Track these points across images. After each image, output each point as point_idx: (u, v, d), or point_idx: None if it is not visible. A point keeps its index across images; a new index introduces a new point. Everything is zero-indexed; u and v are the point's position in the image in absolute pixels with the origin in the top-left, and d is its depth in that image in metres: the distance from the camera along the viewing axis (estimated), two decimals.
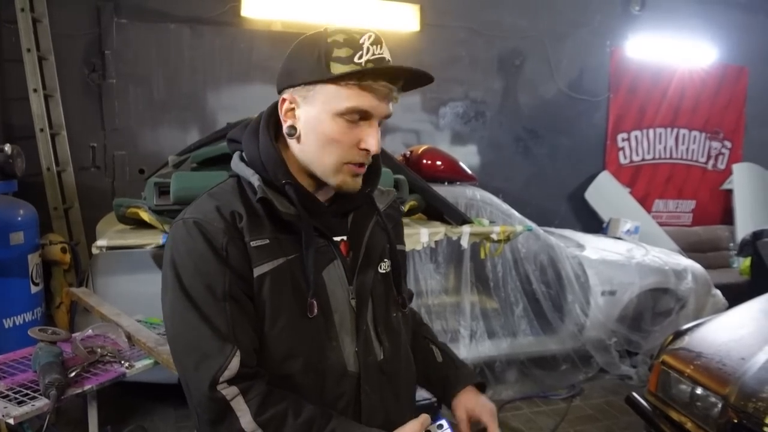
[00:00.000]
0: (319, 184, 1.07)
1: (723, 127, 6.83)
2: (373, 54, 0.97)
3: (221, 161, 2.99)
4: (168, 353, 2.00)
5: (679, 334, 2.76)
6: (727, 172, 6.86)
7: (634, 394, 2.78)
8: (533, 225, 3.97)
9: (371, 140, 1.01)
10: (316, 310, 1.02)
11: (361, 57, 0.96)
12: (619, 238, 5.28)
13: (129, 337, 2.18)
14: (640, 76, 6.31)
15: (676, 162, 6.70)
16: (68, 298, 3.59)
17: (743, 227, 6.10)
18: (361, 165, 1.04)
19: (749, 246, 5.09)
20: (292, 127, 1.04)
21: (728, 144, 6.89)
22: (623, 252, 4.47)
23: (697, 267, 4.52)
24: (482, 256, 3.51)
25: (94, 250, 2.70)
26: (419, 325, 1.40)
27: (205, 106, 4.88)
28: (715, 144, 6.83)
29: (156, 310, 2.29)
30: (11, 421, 1.62)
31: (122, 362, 2.02)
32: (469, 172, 4.30)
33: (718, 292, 4.53)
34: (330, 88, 0.99)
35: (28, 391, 1.77)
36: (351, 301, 1.08)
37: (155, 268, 3.12)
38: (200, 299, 0.97)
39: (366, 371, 1.08)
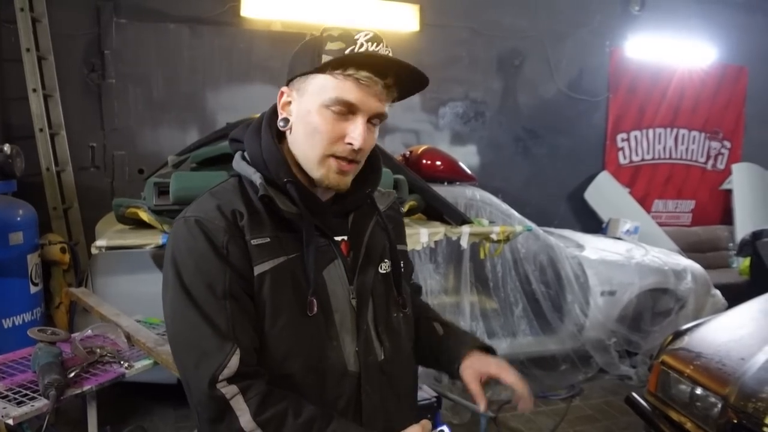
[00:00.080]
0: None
1: (722, 127, 6.83)
2: (366, 50, 0.98)
3: (221, 161, 2.99)
4: (167, 353, 2.00)
5: (678, 335, 2.76)
6: (727, 172, 6.87)
7: (634, 394, 2.78)
8: (533, 225, 3.97)
9: (355, 133, 1.00)
10: (316, 309, 1.02)
11: (352, 51, 0.97)
12: (619, 239, 5.28)
13: (128, 337, 2.18)
14: (639, 76, 6.32)
15: (676, 162, 6.70)
16: (67, 298, 3.59)
17: (743, 227, 6.10)
18: (347, 162, 1.03)
19: (749, 246, 5.09)
20: (285, 120, 1.06)
21: (728, 144, 6.89)
22: (623, 252, 4.47)
23: (696, 267, 4.52)
24: (482, 256, 3.50)
25: (94, 250, 2.69)
26: (425, 309, 1.39)
27: (204, 106, 4.88)
28: (715, 144, 6.83)
29: (155, 311, 2.28)
30: (10, 422, 1.62)
31: (122, 362, 2.02)
32: (469, 172, 4.30)
33: (718, 292, 4.54)
34: (319, 80, 1.00)
35: (28, 392, 1.76)
36: (352, 300, 1.08)
37: (155, 268, 3.12)
38: (201, 297, 0.97)
39: (367, 371, 1.07)
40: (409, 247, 3.02)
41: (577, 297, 4.05)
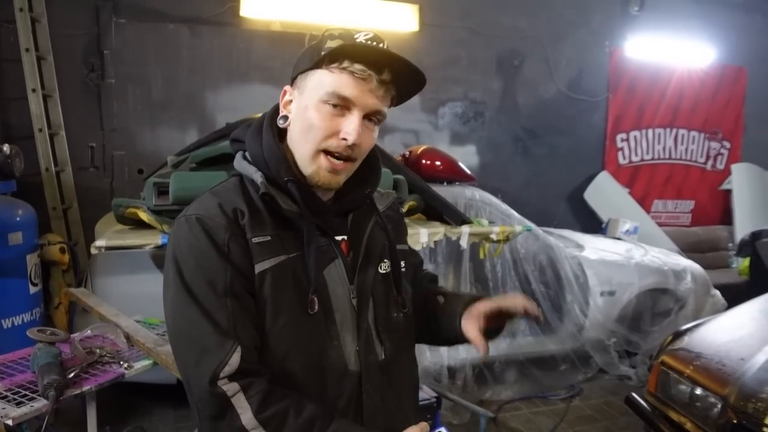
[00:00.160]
0: None
1: (722, 127, 6.84)
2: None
3: (220, 161, 2.99)
4: (167, 354, 2.00)
5: (678, 335, 2.76)
6: (726, 173, 6.87)
7: (634, 394, 2.78)
8: (532, 225, 3.97)
9: (349, 128, 1.00)
10: (317, 307, 1.02)
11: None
12: (618, 239, 5.28)
13: (128, 337, 2.18)
14: (639, 77, 6.32)
15: (675, 162, 6.70)
16: (67, 298, 3.59)
17: (742, 227, 6.10)
18: (342, 160, 1.03)
19: (748, 246, 5.09)
20: (285, 117, 1.07)
21: (727, 144, 6.89)
22: (622, 252, 4.47)
23: (696, 267, 4.53)
24: (481, 256, 3.51)
25: (93, 251, 2.69)
26: (431, 281, 1.39)
27: (204, 106, 4.88)
28: (714, 144, 6.84)
29: (155, 311, 2.28)
30: (10, 422, 1.62)
31: (121, 363, 2.02)
32: (468, 172, 4.30)
33: (717, 293, 4.54)
34: (316, 75, 1.01)
35: (27, 392, 1.76)
36: (352, 300, 1.08)
37: (154, 268, 3.12)
38: (201, 295, 0.97)
39: (367, 370, 1.07)
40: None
41: (577, 297, 4.05)
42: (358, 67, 0.98)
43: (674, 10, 6.22)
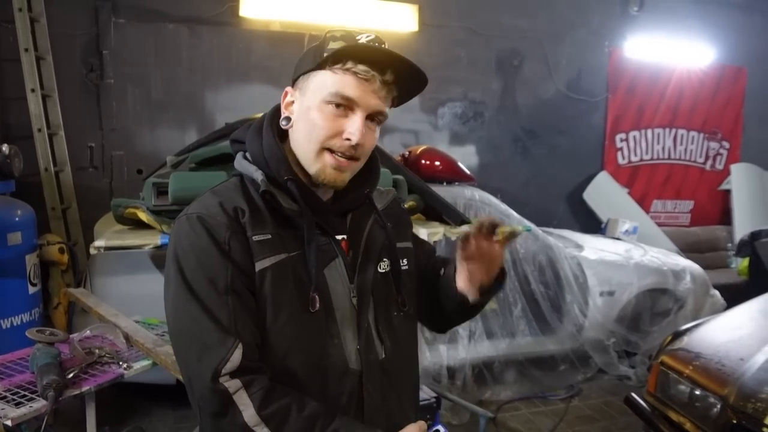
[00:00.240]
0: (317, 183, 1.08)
1: (721, 127, 6.84)
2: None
3: (220, 161, 2.99)
4: (166, 354, 2.00)
5: (677, 335, 2.76)
6: (725, 173, 6.87)
7: (633, 394, 2.78)
8: (532, 225, 3.96)
9: (352, 128, 1.01)
10: (318, 305, 1.02)
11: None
12: (618, 239, 5.28)
13: (127, 337, 2.18)
14: (638, 77, 6.32)
15: (675, 162, 6.71)
16: (66, 298, 3.59)
17: (741, 227, 6.11)
18: (346, 158, 1.04)
19: (747, 246, 5.09)
20: (287, 118, 1.08)
21: (726, 144, 6.89)
22: (622, 252, 4.47)
23: (695, 267, 4.53)
24: None
25: (92, 251, 2.69)
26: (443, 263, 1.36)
27: (203, 106, 4.88)
28: (714, 144, 6.84)
29: (154, 311, 2.28)
30: (9, 423, 1.61)
31: (120, 363, 2.02)
32: (468, 172, 4.30)
33: (717, 293, 4.54)
34: (319, 76, 1.02)
35: (26, 393, 1.76)
36: (352, 299, 1.09)
37: (153, 268, 3.12)
38: (202, 293, 0.97)
39: (368, 369, 1.08)
40: None
41: (576, 297, 4.05)
42: (361, 68, 0.99)
43: (674, 11, 6.22)
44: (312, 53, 1.04)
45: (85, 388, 1.85)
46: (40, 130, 4.20)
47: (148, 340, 2.14)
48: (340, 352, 1.06)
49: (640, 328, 4.25)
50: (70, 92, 4.48)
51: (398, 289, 1.16)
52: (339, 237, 1.11)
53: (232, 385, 0.94)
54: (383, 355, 1.11)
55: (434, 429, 1.04)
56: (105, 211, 3.64)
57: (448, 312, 1.24)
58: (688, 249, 5.85)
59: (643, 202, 6.49)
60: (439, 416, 2.84)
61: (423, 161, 4.08)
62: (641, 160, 6.53)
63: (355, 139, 1.01)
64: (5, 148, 3.37)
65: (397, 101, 1.08)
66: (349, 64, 0.99)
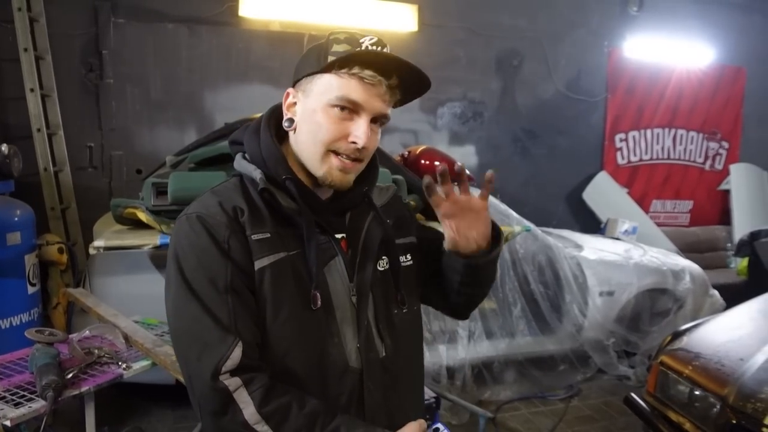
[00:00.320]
0: (316, 182, 1.09)
1: (720, 127, 6.84)
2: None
3: (219, 161, 2.98)
4: (165, 354, 2.00)
5: (677, 335, 2.77)
6: (725, 173, 6.88)
7: (633, 394, 2.78)
8: (531, 225, 3.97)
9: (358, 132, 1.02)
10: (320, 302, 1.03)
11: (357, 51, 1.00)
12: (617, 239, 5.29)
13: (126, 338, 2.18)
14: (638, 77, 6.32)
15: (674, 162, 6.71)
16: (65, 298, 3.58)
17: (741, 227, 6.11)
18: (351, 160, 1.05)
19: (747, 246, 5.09)
20: (290, 120, 1.08)
21: (726, 144, 6.90)
22: (621, 252, 4.47)
23: (694, 267, 4.53)
24: None
25: (92, 251, 2.69)
26: None
27: (202, 106, 4.87)
28: (713, 144, 6.84)
29: (153, 311, 2.28)
30: (8, 423, 1.61)
31: (119, 363, 2.01)
32: (468, 172, 4.30)
33: (716, 293, 4.55)
34: (324, 79, 1.02)
35: (25, 393, 1.76)
36: (352, 297, 1.09)
37: (153, 268, 3.11)
38: (202, 292, 0.98)
39: (368, 367, 1.08)
40: None
41: (576, 297, 4.05)
42: (368, 73, 1.00)
43: (673, 11, 6.23)
44: (315, 55, 1.04)
45: (84, 389, 1.84)
46: (39, 130, 4.20)
47: (147, 341, 2.14)
48: (340, 350, 1.06)
49: (639, 328, 4.25)
50: (70, 92, 4.48)
51: (397, 287, 1.16)
52: (338, 236, 1.11)
53: (232, 383, 0.94)
54: (384, 353, 1.11)
55: (434, 428, 1.04)
56: (104, 211, 3.63)
57: (456, 285, 1.21)
58: (687, 249, 5.85)
59: (643, 202, 6.49)
60: (439, 416, 2.84)
61: (422, 161, 4.07)
62: (641, 160, 6.54)
63: (361, 143, 1.03)
64: (4, 148, 3.37)
65: (399, 103, 1.09)
66: (355, 69, 1.00)
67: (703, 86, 6.62)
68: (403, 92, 1.07)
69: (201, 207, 1.04)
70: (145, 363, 2.07)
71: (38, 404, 1.70)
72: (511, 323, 3.95)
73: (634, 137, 6.46)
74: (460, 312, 1.35)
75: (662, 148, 6.62)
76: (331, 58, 1.00)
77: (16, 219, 3.18)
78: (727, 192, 6.78)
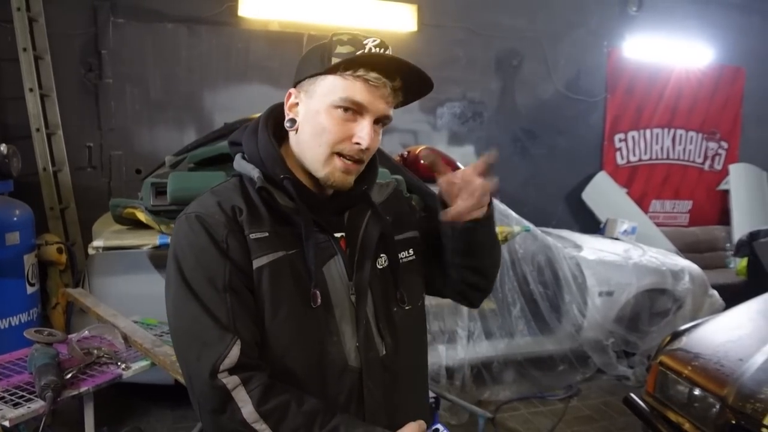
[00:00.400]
0: (316, 182, 1.09)
1: (720, 127, 6.84)
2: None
3: (218, 161, 2.98)
4: (164, 354, 2.00)
5: (676, 335, 2.76)
6: (724, 173, 6.88)
7: (632, 394, 2.77)
8: (531, 225, 3.97)
9: (362, 133, 1.03)
10: (319, 300, 1.03)
11: (362, 54, 1.01)
12: (617, 239, 5.29)
13: (125, 338, 2.17)
14: (637, 77, 6.32)
15: (673, 162, 6.71)
16: (64, 298, 3.58)
17: (740, 228, 6.12)
18: (353, 161, 1.05)
19: (746, 246, 5.09)
20: (292, 120, 1.08)
21: (725, 144, 6.90)
22: (620, 252, 4.47)
23: (694, 267, 4.53)
24: None
25: (91, 251, 2.69)
26: None
27: (202, 106, 4.87)
28: (712, 144, 6.84)
29: (153, 311, 2.28)
30: (7, 424, 1.61)
31: (119, 363, 2.01)
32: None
33: (715, 293, 4.55)
34: (328, 80, 1.03)
35: (24, 393, 1.76)
36: (351, 296, 1.09)
37: (152, 268, 3.11)
38: (201, 291, 0.99)
39: (368, 366, 1.08)
40: None
41: (575, 297, 4.05)
42: (373, 75, 1.01)
43: (672, 11, 6.23)
44: (318, 56, 1.04)
45: (83, 389, 1.84)
46: (38, 129, 4.20)
47: (146, 341, 2.14)
48: (339, 349, 1.06)
49: (638, 329, 4.25)
50: (69, 92, 4.47)
51: (396, 285, 1.16)
52: (337, 235, 1.11)
53: (230, 381, 0.94)
54: (384, 352, 1.11)
55: (434, 428, 1.03)
56: (103, 211, 3.63)
57: (451, 256, 1.21)
58: (686, 249, 5.85)
59: (642, 202, 6.49)
60: (438, 416, 2.84)
61: (422, 161, 4.07)
62: (640, 160, 6.54)
63: (365, 144, 1.03)
64: (3, 147, 3.37)
65: (400, 104, 1.10)
66: (360, 71, 1.00)
67: (703, 86, 6.62)
68: (405, 93, 1.07)
69: (200, 207, 1.04)
70: (144, 363, 2.07)
71: (37, 404, 1.70)
72: (510, 323, 3.95)
73: (633, 137, 6.47)
74: (468, 295, 1.31)
75: (661, 148, 6.63)
76: (335, 60, 1.00)
77: (15, 219, 3.18)
78: (726, 192, 6.79)
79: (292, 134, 1.10)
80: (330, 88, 1.02)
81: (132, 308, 2.50)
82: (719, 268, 6.02)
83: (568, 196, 6.22)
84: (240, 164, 1.11)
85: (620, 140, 6.40)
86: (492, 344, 3.89)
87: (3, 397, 1.73)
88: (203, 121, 4.83)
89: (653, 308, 4.33)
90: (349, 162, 1.05)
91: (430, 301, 1.32)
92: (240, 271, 1.00)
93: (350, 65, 1.00)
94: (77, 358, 1.95)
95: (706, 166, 6.87)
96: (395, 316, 1.15)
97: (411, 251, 1.21)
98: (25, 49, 4.15)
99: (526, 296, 3.99)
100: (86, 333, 2.18)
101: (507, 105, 5.87)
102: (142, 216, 2.76)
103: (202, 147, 3.33)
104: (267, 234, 1.03)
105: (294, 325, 1.02)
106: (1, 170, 3.34)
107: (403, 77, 1.04)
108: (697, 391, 2.39)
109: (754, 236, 5.03)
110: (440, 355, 3.67)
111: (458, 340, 3.77)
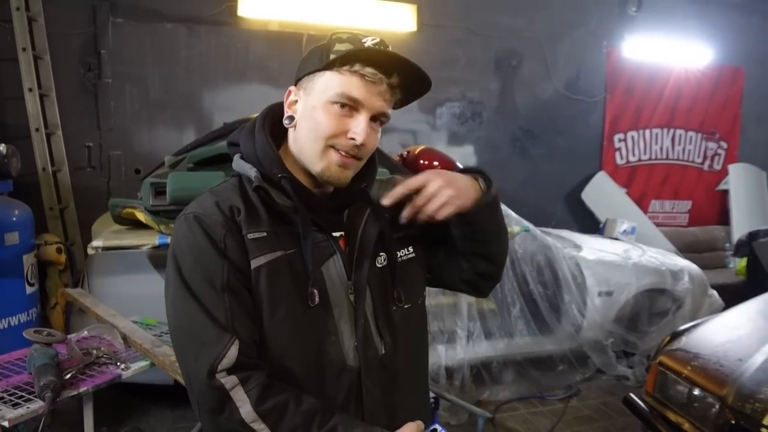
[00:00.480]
0: (314, 181, 1.09)
1: (719, 127, 6.85)
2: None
3: (218, 161, 2.98)
4: (164, 355, 2.00)
5: (676, 335, 2.76)
6: (723, 173, 6.88)
7: (632, 394, 2.77)
8: (530, 225, 3.97)
9: (357, 128, 1.03)
10: (317, 299, 1.03)
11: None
12: (616, 239, 5.29)
13: (125, 338, 2.17)
14: (636, 77, 6.32)
15: (673, 162, 6.71)
16: (63, 298, 3.58)
17: (739, 228, 6.12)
18: (349, 156, 1.05)
19: (745, 246, 5.09)
20: (290, 117, 1.08)
21: (724, 144, 6.90)
22: (620, 252, 4.47)
23: (693, 267, 4.53)
24: None
25: (90, 251, 2.69)
26: None
27: (201, 106, 4.87)
28: (711, 144, 6.85)
29: (152, 312, 2.28)
30: (6, 424, 1.61)
31: (118, 364, 2.01)
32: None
33: (715, 293, 4.55)
34: (325, 77, 1.03)
35: (23, 393, 1.76)
36: (350, 296, 1.09)
37: (151, 268, 3.11)
38: (200, 291, 0.99)
39: (366, 366, 1.08)
40: None
41: (575, 297, 4.05)
42: (369, 70, 1.01)
43: (672, 11, 6.23)
44: (317, 54, 1.04)
45: (82, 389, 1.84)
46: (37, 129, 4.19)
47: (145, 341, 2.14)
48: (338, 349, 1.06)
49: (638, 329, 4.25)
50: (68, 92, 4.47)
51: (393, 283, 1.15)
52: (337, 234, 1.11)
53: (228, 381, 0.94)
54: (383, 351, 1.11)
55: (432, 428, 1.03)
56: (103, 211, 3.63)
57: (468, 251, 1.21)
58: (686, 249, 5.85)
59: (641, 202, 6.49)
60: (438, 416, 2.84)
61: (421, 161, 4.07)
62: (639, 160, 6.54)
63: (359, 139, 1.03)
64: (2, 147, 3.37)
65: (400, 103, 1.10)
66: (356, 67, 1.01)
67: (702, 86, 6.62)
68: (404, 92, 1.07)
69: (198, 207, 1.05)
70: (143, 363, 2.07)
71: (36, 405, 1.69)
72: (509, 323, 3.95)
73: (632, 137, 6.47)
74: (478, 284, 1.29)
75: (661, 149, 6.63)
76: (333, 57, 1.01)
77: (14, 219, 3.18)
78: (725, 192, 6.79)
79: (290, 132, 1.10)
80: (327, 84, 1.03)
81: (131, 308, 2.50)
82: (719, 268, 6.03)
83: (567, 196, 6.23)
84: (238, 164, 1.11)
85: (620, 140, 6.41)
86: (491, 344, 3.89)
87: (2, 398, 1.73)
88: (202, 121, 4.83)
89: (653, 308, 4.33)
90: (345, 155, 1.05)
91: (429, 301, 1.31)
92: (238, 271, 1.00)
93: (346, 60, 1.01)
94: (76, 358, 1.94)
95: (706, 166, 6.87)
96: (394, 315, 1.14)
97: (411, 249, 1.21)
98: (24, 49, 4.15)
99: (525, 296, 3.99)
100: (85, 333, 2.18)
101: (506, 105, 5.87)
102: (141, 216, 2.76)
103: (201, 147, 3.33)
104: (265, 234, 1.03)
105: (292, 324, 1.02)
106: (0, 170, 3.34)
107: (401, 74, 1.04)
108: (696, 391, 2.39)
109: (753, 236, 5.03)
110: (440, 355, 3.67)
111: (458, 340, 3.77)
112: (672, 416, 2.48)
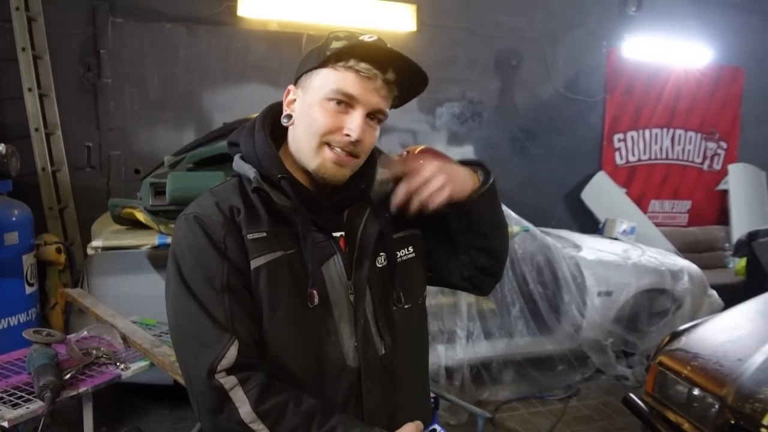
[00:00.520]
0: (314, 181, 1.09)
1: (719, 127, 6.85)
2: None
3: (217, 161, 2.98)
4: (163, 355, 2.00)
5: (675, 335, 2.76)
6: (723, 173, 6.88)
7: (631, 394, 2.77)
8: (530, 225, 3.97)
9: (352, 125, 1.03)
10: (317, 300, 1.03)
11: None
12: (616, 239, 5.29)
13: (124, 338, 2.17)
14: (636, 77, 6.32)
15: (672, 162, 6.71)
16: (63, 298, 3.57)
17: (739, 228, 6.12)
18: (346, 154, 1.05)
19: (745, 246, 5.09)
20: (289, 116, 1.09)
21: (724, 144, 6.90)
22: (619, 252, 4.48)
23: (693, 267, 4.53)
24: None
25: (90, 251, 2.69)
26: None
27: (201, 106, 4.87)
28: (711, 144, 6.85)
29: (152, 312, 2.28)
30: (5, 424, 1.61)
31: (117, 364, 2.01)
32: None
33: (714, 293, 4.55)
34: (322, 74, 1.04)
35: (23, 394, 1.76)
36: (349, 296, 1.09)
37: (151, 269, 3.11)
38: (199, 291, 0.99)
39: (366, 366, 1.08)
40: None
41: (574, 297, 4.05)
42: (363, 65, 1.01)
43: (671, 11, 6.23)
44: (315, 52, 1.05)
45: (82, 389, 1.84)
46: (37, 129, 4.19)
47: (145, 341, 2.13)
48: (338, 349, 1.06)
49: (637, 329, 4.25)
50: (68, 92, 4.47)
51: (393, 284, 1.15)
52: (337, 234, 1.11)
53: (227, 381, 0.95)
54: (383, 351, 1.11)
55: (431, 428, 1.03)
56: (102, 211, 3.63)
57: (466, 243, 1.22)
58: (685, 249, 5.85)
59: (641, 202, 6.49)
60: (437, 416, 2.84)
61: (421, 161, 4.07)
62: (639, 160, 6.54)
63: (354, 135, 1.02)
64: (2, 147, 3.36)
65: (398, 102, 1.10)
66: (351, 62, 1.01)
67: (702, 86, 6.62)
68: (402, 90, 1.07)
69: (198, 207, 1.05)
70: (143, 363, 2.07)
71: (36, 405, 1.69)
72: (509, 323, 3.95)
73: (632, 137, 6.47)
74: (479, 281, 1.29)
75: (660, 149, 6.63)
76: (329, 54, 1.01)
77: (13, 219, 3.18)
78: (725, 192, 6.79)
79: (289, 131, 1.10)
80: (323, 81, 1.03)
81: (131, 308, 2.50)
82: (718, 268, 6.03)
83: (567, 196, 6.22)
84: (238, 165, 1.11)
85: (619, 140, 6.41)
86: (491, 344, 3.89)
87: (2, 398, 1.73)
88: (202, 121, 4.82)
89: (652, 308, 4.34)
90: (341, 153, 1.04)
91: (429, 301, 1.31)
92: (238, 271, 1.00)
93: (341, 56, 1.01)
94: (76, 358, 1.94)
95: (705, 166, 6.88)
96: (394, 315, 1.14)
97: (411, 248, 1.20)
98: (23, 49, 4.15)
99: (525, 296, 3.99)
100: (85, 333, 2.18)
101: (506, 105, 5.87)
102: (141, 216, 2.76)
103: (201, 147, 3.33)
104: (265, 234, 1.03)
105: (292, 324, 1.02)
106: None
107: (396, 70, 1.04)
108: (696, 391, 2.39)
109: (753, 236, 5.04)
110: (439, 355, 3.67)
111: (457, 340, 3.77)
112: (672, 416, 2.48)
